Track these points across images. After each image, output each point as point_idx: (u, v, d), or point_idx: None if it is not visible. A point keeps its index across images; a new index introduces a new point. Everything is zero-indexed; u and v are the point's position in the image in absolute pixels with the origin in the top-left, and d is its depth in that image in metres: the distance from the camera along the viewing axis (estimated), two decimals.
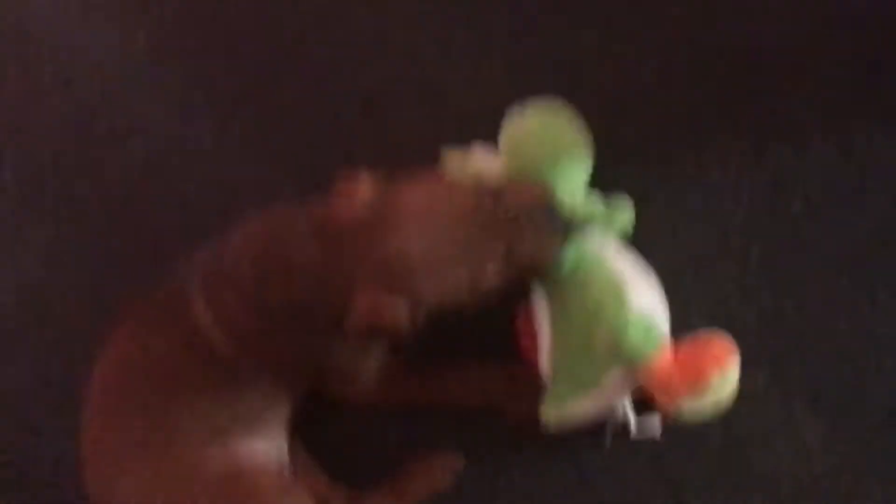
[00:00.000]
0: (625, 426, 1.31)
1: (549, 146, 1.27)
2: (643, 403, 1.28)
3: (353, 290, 1.13)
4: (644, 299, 1.22)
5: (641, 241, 1.36)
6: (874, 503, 1.30)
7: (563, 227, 1.18)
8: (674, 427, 1.33)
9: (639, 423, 1.31)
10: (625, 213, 1.35)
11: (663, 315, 1.25)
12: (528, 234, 1.15)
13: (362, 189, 1.17)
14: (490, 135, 1.33)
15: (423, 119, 1.48)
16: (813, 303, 1.35)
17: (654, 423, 1.31)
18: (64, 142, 1.55)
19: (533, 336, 1.27)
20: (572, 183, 1.28)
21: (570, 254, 1.22)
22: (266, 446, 1.32)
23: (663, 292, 1.28)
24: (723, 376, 1.19)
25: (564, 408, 1.26)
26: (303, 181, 1.46)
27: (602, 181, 1.37)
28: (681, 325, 1.32)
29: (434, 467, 1.37)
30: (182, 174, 1.52)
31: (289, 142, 1.50)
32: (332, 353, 1.27)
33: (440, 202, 1.14)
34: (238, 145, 1.51)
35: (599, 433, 1.33)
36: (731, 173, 1.39)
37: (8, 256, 1.53)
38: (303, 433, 1.39)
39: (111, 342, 1.30)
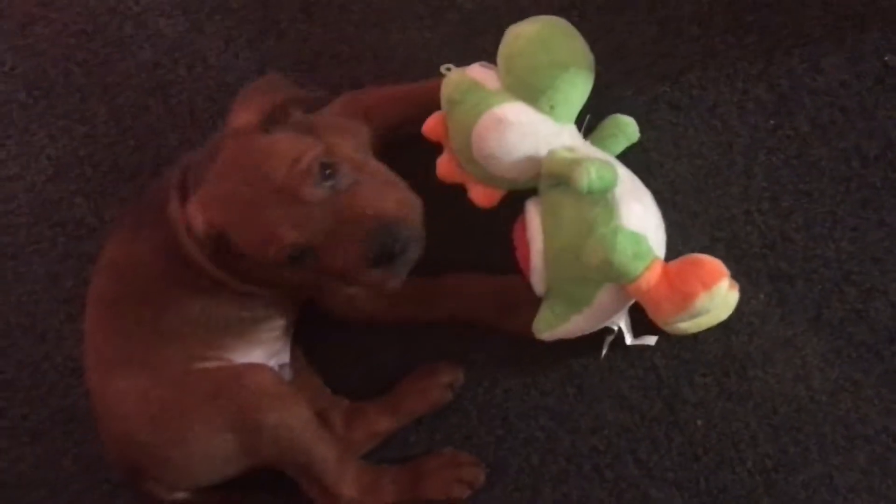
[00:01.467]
0: (620, 335, 1.31)
1: (547, 60, 1.25)
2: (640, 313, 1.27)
3: None
4: (636, 217, 1.21)
5: (644, 159, 1.36)
6: (871, 425, 1.30)
7: (383, 259, 1.14)
8: (672, 343, 1.33)
9: (634, 333, 1.31)
10: (628, 130, 1.34)
11: (657, 234, 1.24)
12: (342, 242, 1.13)
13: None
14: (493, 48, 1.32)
15: (425, 32, 1.46)
16: (817, 224, 1.34)
17: (650, 334, 1.32)
18: (72, 56, 1.56)
19: (528, 249, 1.27)
20: (571, 98, 1.27)
21: (599, 177, 1.19)
22: (264, 356, 1.34)
23: (660, 212, 1.26)
24: (710, 298, 1.18)
25: (557, 326, 1.26)
26: (308, 91, 1.47)
27: (606, 97, 1.36)
28: (683, 244, 1.33)
29: (433, 383, 1.38)
30: (190, 85, 1.51)
31: (295, 52, 1.49)
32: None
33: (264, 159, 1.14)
34: (245, 56, 1.50)
35: (596, 344, 1.33)
36: (737, 89, 1.36)
37: (22, 168, 1.54)
38: (305, 345, 1.41)
39: (104, 249, 1.32)
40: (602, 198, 1.20)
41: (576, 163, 1.19)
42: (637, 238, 1.19)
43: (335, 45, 1.48)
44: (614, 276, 1.20)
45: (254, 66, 1.50)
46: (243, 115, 1.18)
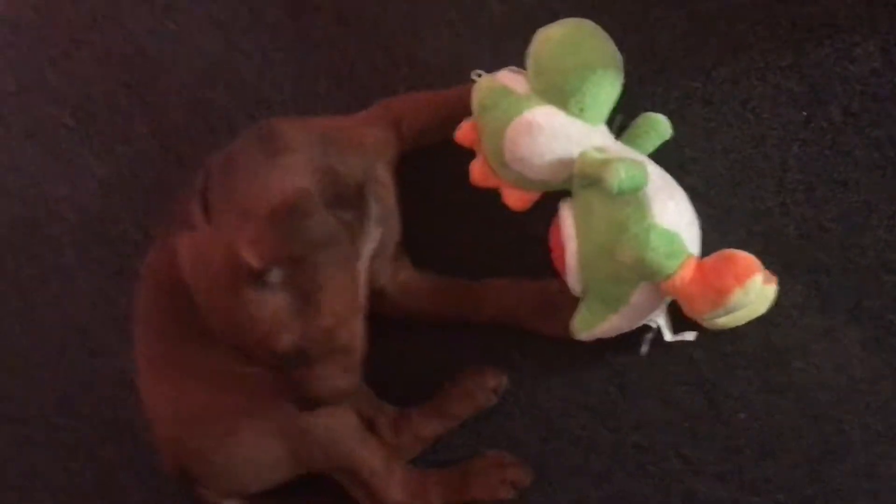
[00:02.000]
0: (660, 332, 1.32)
1: (575, 62, 1.26)
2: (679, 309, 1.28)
3: None
4: (669, 214, 1.22)
5: (678, 156, 1.36)
6: None
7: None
8: (711, 338, 1.33)
9: (673, 329, 1.32)
10: (660, 128, 1.35)
11: (690, 231, 1.25)
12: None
13: None
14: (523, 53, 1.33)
15: (457, 37, 1.48)
16: (853, 213, 1.33)
17: (690, 330, 1.32)
18: (115, 78, 1.59)
19: (563, 250, 1.28)
20: (600, 99, 1.28)
21: (629, 176, 1.21)
22: None
23: (693, 208, 1.27)
24: (744, 293, 1.19)
25: (595, 325, 1.28)
26: (344, 103, 1.49)
27: (637, 95, 1.37)
28: (720, 238, 1.32)
29: (478, 387, 1.40)
30: (228, 101, 1.54)
31: (330, 63, 1.51)
32: None
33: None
34: (281, 69, 1.53)
35: (636, 342, 1.34)
36: (769, 82, 1.36)
37: (70, 190, 1.58)
38: None
39: (145, 260, 1.35)
40: (633, 197, 1.22)
41: (605, 163, 1.20)
42: (670, 236, 1.20)
43: (370, 55, 1.50)
44: (648, 274, 1.21)
45: (290, 79, 1.52)
46: (253, 249, 1.11)
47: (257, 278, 1.12)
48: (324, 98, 1.51)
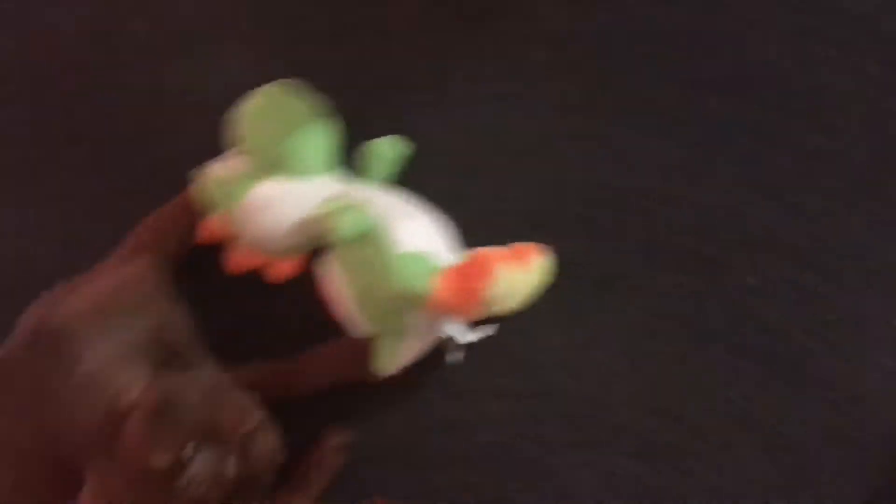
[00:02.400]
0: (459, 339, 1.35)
1: (276, 128, 1.30)
2: None
3: None
4: (408, 237, 1.25)
5: (422, 166, 1.41)
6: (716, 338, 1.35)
7: None
8: (511, 320, 1.36)
9: (470, 331, 1.34)
10: (387, 151, 1.38)
11: (436, 243, 1.28)
12: None
13: None
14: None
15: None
16: (587, 162, 1.38)
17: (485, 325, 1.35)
18: None
19: (337, 302, 1.31)
20: (315, 152, 1.31)
21: (351, 222, 1.25)
22: None
23: (437, 220, 1.31)
24: (493, 285, 1.22)
25: (393, 359, 1.31)
26: (110, 236, 1.50)
27: (361, 129, 1.40)
28: (486, 232, 1.35)
29: (325, 451, 1.42)
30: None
31: (88, 205, 1.54)
32: None
33: None
34: (39, 224, 1.56)
35: (447, 353, 1.37)
36: (476, 68, 1.40)
37: None
38: None
39: None
40: (371, 233, 1.24)
41: (326, 217, 1.23)
42: (413, 258, 1.23)
43: (117, 182, 1.53)
44: (410, 300, 1.24)
45: (48, 230, 1.55)
46: (159, 454, 1.14)
47: (180, 467, 1.15)
48: (91, 236, 1.51)
